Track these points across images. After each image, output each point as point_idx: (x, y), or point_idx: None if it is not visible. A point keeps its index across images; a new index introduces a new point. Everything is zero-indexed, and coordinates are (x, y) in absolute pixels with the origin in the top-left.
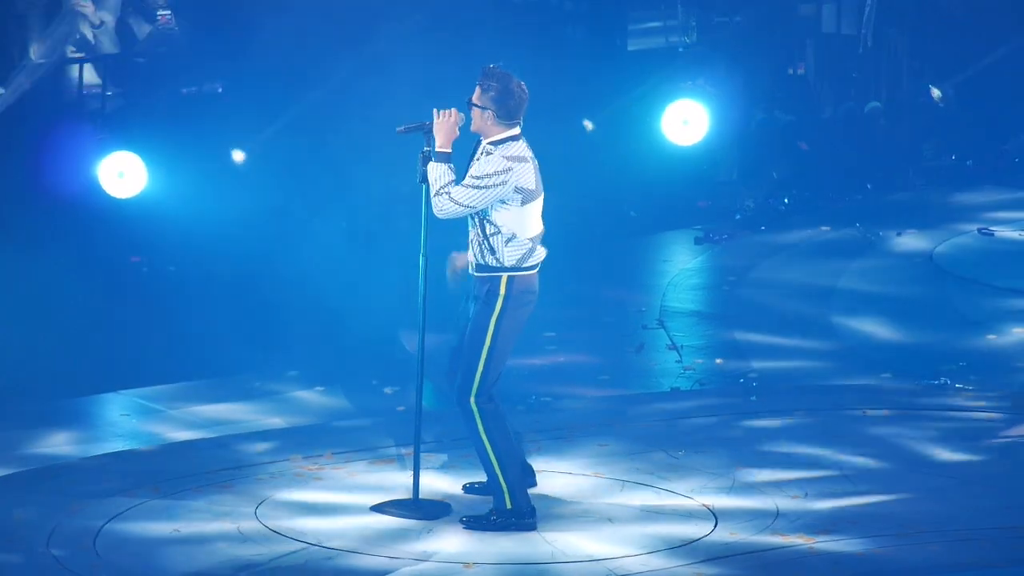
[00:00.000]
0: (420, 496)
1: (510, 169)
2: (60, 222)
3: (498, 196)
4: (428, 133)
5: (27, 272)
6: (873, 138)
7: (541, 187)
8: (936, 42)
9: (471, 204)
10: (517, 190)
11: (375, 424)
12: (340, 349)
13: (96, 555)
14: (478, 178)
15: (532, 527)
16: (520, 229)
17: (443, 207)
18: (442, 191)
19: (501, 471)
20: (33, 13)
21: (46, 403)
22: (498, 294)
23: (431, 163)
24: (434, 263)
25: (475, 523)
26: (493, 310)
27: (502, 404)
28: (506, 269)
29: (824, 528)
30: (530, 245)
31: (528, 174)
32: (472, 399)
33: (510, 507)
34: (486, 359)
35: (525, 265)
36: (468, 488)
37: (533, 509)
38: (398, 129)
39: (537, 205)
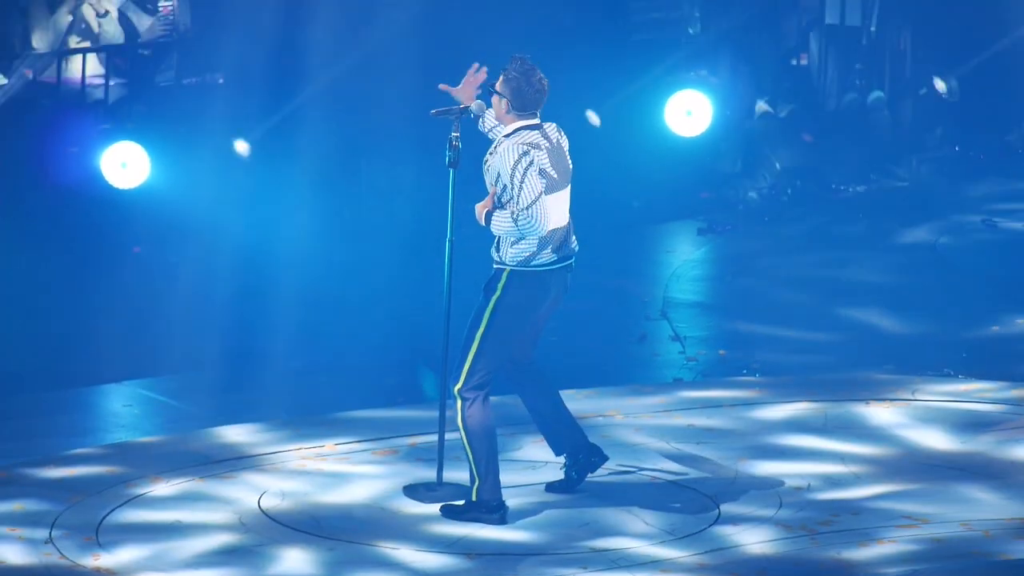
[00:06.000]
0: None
1: (527, 151)
2: (62, 212)
3: (538, 176)
4: (459, 116)
5: (29, 262)
6: (876, 129)
7: (566, 179)
8: (940, 32)
9: (533, 195)
10: (541, 172)
11: (377, 415)
12: (343, 339)
13: (98, 545)
14: (512, 176)
15: (498, 522)
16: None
17: (529, 220)
18: (520, 215)
19: (475, 463)
20: (36, 2)
21: (48, 393)
22: (496, 288)
23: (494, 221)
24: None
25: (450, 512)
26: (489, 302)
27: (491, 397)
28: (506, 265)
29: (827, 520)
30: (536, 245)
31: (544, 160)
32: (458, 387)
33: (474, 499)
34: (476, 350)
35: (532, 264)
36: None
37: (501, 504)
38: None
39: (559, 198)
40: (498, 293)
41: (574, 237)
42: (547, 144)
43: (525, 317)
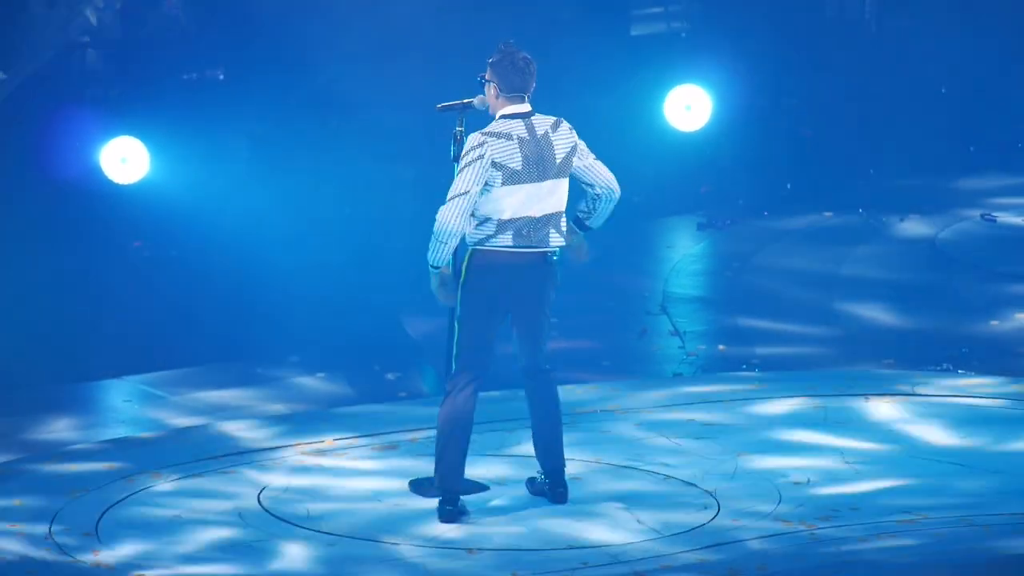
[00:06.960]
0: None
1: (483, 143)
2: (62, 207)
3: (480, 172)
4: (463, 111)
5: (29, 257)
6: (876, 123)
7: (540, 173)
8: (939, 27)
9: (461, 188)
10: (495, 164)
11: (377, 410)
12: (342, 335)
13: (98, 540)
14: (459, 161)
15: (447, 516)
16: (496, 212)
17: (442, 214)
18: (442, 207)
19: (437, 452)
20: None
21: (48, 389)
22: (461, 269)
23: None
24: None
25: (416, 486)
26: (458, 284)
27: (479, 391)
28: (467, 245)
29: (826, 514)
30: (495, 227)
31: (507, 150)
32: (451, 375)
33: (438, 485)
34: (457, 335)
35: (489, 244)
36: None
37: (455, 499)
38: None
39: (525, 190)
40: (463, 274)
41: (554, 232)
42: (523, 135)
43: (490, 297)
